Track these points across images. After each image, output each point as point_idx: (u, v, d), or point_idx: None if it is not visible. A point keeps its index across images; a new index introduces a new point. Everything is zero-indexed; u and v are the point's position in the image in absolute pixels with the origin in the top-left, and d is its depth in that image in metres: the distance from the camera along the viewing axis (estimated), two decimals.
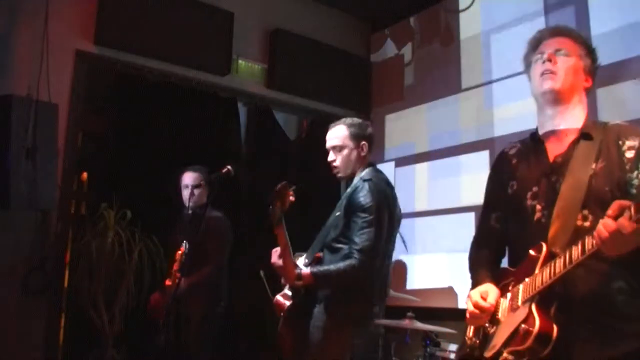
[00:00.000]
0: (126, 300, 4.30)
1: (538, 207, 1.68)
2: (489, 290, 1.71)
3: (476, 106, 4.39)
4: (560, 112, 1.74)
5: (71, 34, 3.94)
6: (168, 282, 3.73)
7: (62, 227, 3.79)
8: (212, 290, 3.83)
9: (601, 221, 1.36)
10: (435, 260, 4.47)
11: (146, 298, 4.08)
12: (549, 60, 1.73)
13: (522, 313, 1.53)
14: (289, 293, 2.69)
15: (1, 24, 3.67)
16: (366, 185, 2.58)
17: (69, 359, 3.94)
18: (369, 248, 2.50)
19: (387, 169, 5.12)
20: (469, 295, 1.74)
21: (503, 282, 1.73)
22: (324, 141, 2.91)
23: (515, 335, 1.52)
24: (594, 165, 1.61)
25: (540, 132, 1.81)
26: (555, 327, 1.46)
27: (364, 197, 2.55)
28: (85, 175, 4.83)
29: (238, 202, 4.79)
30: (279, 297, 2.69)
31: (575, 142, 1.69)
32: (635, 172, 1.58)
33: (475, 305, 1.68)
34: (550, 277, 1.48)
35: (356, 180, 2.72)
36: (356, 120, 2.85)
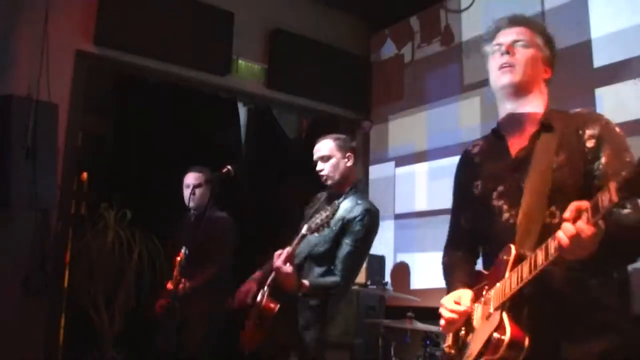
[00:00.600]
0: (126, 300, 4.31)
1: (505, 206, 1.63)
2: (462, 295, 1.66)
3: (476, 106, 4.39)
4: (520, 105, 1.68)
5: (71, 34, 3.95)
6: (170, 286, 3.72)
7: (62, 227, 3.79)
8: (215, 292, 3.82)
9: (562, 226, 1.31)
10: (435, 260, 4.45)
11: (146, 298, 4.08)
12: (507, 52, 1.67)
13: (494, 321, 1.49)
14: (272, 296, 2.74)
15: (1, 24, 3.67)
16: (366, 217, 2.76)
17: (69, 359, 3.95)
18: (353, 272, 2.79)
19: (387, 169, 5.13)
20: (441, 303, 1.68)
21: (477, 285, 1.67)
22: None
23: (488, 344, 1.47)
24: (556, 158, 1.55)
25: (501, 126, 1.76)
26: (526, 335, 1.41)
27: (361, 227, 2.73)
28: (85, 175, 4.83)
29: (238, 202, 4.80)
30: (267, 301, 2.72)
31: (535, 135, 1.63)
32: (597, 163, 1.52)
33: (451, 311, 1.63)
34: (517, 284, 1.43)
35: (351, 203, 2.81)
36: (341, 135, 3.04)
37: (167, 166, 4.36)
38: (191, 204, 3.90)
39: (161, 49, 4.23)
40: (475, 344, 1.54)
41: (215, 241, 3.74)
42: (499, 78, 1.68)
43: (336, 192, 2.88)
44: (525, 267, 1.42)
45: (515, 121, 1.70)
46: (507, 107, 1.71)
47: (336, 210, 2.55)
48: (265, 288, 2.78)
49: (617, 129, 1.59)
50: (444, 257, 1.92)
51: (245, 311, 2.95)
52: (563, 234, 1.30)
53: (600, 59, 3.65)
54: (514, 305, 1.46)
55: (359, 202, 2.78)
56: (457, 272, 1.80)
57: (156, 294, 3.92)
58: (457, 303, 1.64)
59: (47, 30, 3.69)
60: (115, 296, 4.29)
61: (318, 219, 2.50)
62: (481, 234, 1.75)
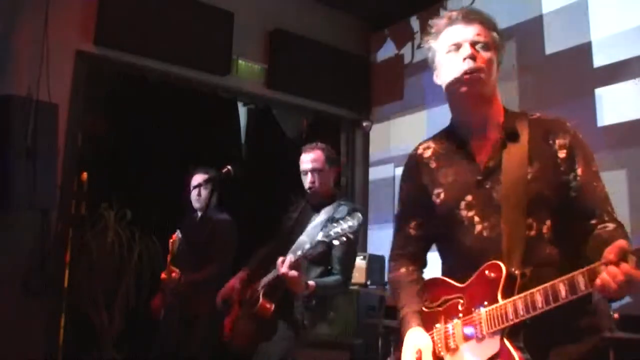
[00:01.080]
0: (126, 300, 4.31)
1: (476, 219, 1.53)
2: (422, 347, 1.56)
3: None
4: (483, 112, 1.59)
5: (71, 34, 3.95)
6: (163, 276, 3.72)
7: (62, 227, 3.79)
8: (215, 292, 3.82)
9: (608, 269, 1.23)
10: (434, 259, 4.46)
11: (146, 298, 4.08)
12: (472, 58, 1.54)
13: (491, 346, 1.40)
14: (267, 296, 2.77)
15: (1, 24, 3.67)
16: (356, 216, 2.77)
17: (69, 359, 3.94)
18: (351, 268, 2.93)
19: (387, 169, 5.13)
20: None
21: (444, 296, 1.57)
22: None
23: None
24: (529, 169, 1.49)
25: (458, 130, 1.65)
26: None
27: (351, 226, 2.73)
28: (85, 175, 4.83)
29: (238, 202, 4.80)
30: (263, 301, 2.76)
31: (502, 143, 1.55)
32: (572, 174, 1.49)
33: None
34: (529, 313, 1.34)
35: (335, 204, 2.90)
36: (327, 146, 3.11)
37: (167, 166, 4.37)
38: (197, 205, 3.91)
39: (161, 49, 4.23)
40: None
41: (216, 242, 3.74)
42: (461, 85, 1.56)
43: (319, 199, 2.96)
44: (538, 296, 1.33)
45: (475, 126, 1.61)
46: (465, 112, 1.62)
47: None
48: (260, 288, 2.81)
49: (581, 137, 1.55)
50: (389, 272, 1.79)
51: (228, 307, 3.03)
52: (609, 279, 1.22)
53: (600, 60, 3.66)
54: (512, 329, 1.39)
55: (342, 202, 2.91)
56: (405, 296, 1.69)
57: (156, 294, 3.93)
58: (419, 356, 1.54)
59: (47, 30, 3.69)
60: (115, 296, 4.29)
61: (338, 228, 2.50)
62: (442, 245, 1.68)
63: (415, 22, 5.11)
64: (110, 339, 4.19)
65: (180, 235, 3.66)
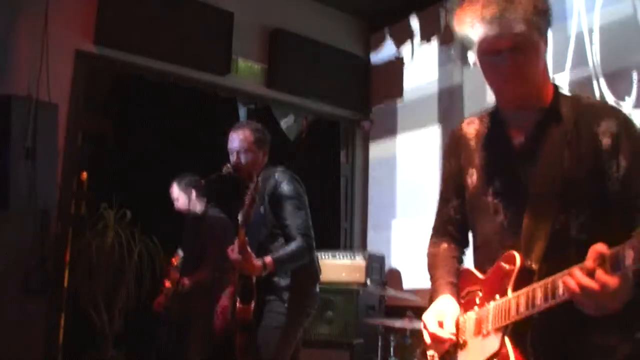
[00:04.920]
0: (126, 300, 4.31)
1: (500, 205, 1.44)
2: (446, 311, 1.47)
3: (478, 106, 4.39)
4: (525, 103, 1.43)
5: (71, 34, 3.95)
6: (168, 284, 3.73)
7: (62, 227, 3.79)
8: (214, 292, 3.83)
9: (568, 276, 1.14)
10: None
11: (146, 298, 4.08)
12: (507, 72, 1.37)
13: (493, 343, 1.32)
14: (243, 299, 2.63)
15: (1, 24, 3.67)
16: (286, 175, 2.78)
17: (69, 359, 3.95)
18: (306, 228, 2.68)
19: (387, 169, 5.12)
20: (423, 323, 1.48)
21: (468, 288, 1.50)
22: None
23: None
24: (566, 154, 1.35)
25: (500, 111, 1.53)
26: None
27: (287, 185, 2.74)
28: (85, 175, 4.83)
29: (237, 202, 4.79)
30: (239, 307, 2.60)
31: (541, 124, 1.41)
32: (615, 163, 1.32)
33: (433, 337, 1.44)
34: (527, 309, 1.24)
35: (262, 178, 2.82)
36: (259, 126, 3.00)
37: (167, 166, 4.37)
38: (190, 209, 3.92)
39: (161, 49, 4.23)
40: None
41: (214, 241, 3.75)
42: (498, 95, 1.46)
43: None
44: (538, 291, 1.22)
45: (516, 111, 1.47)
46: (509, 110, 1.50)
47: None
48: (236, 296, 2.69)
49: (636, 125, 1.39)
50: (428, 247, 1.70)
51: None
52: (574, 284, 1.13)
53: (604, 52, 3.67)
54: (516, 328, 1.29)
55: (268, 173, 2.80)
56: (441, 269, 1.60)
57: (156, 293, 3.93)
58: (441, 324, 1.45)
59: (47, 30, 3.69)
60: (115, 296, 4.29)
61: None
62: (473, 231, 1.58)
63: (414, 22, 5.11)
64: (110, 339, 4.19)
65: (182, 256, 3.67)
